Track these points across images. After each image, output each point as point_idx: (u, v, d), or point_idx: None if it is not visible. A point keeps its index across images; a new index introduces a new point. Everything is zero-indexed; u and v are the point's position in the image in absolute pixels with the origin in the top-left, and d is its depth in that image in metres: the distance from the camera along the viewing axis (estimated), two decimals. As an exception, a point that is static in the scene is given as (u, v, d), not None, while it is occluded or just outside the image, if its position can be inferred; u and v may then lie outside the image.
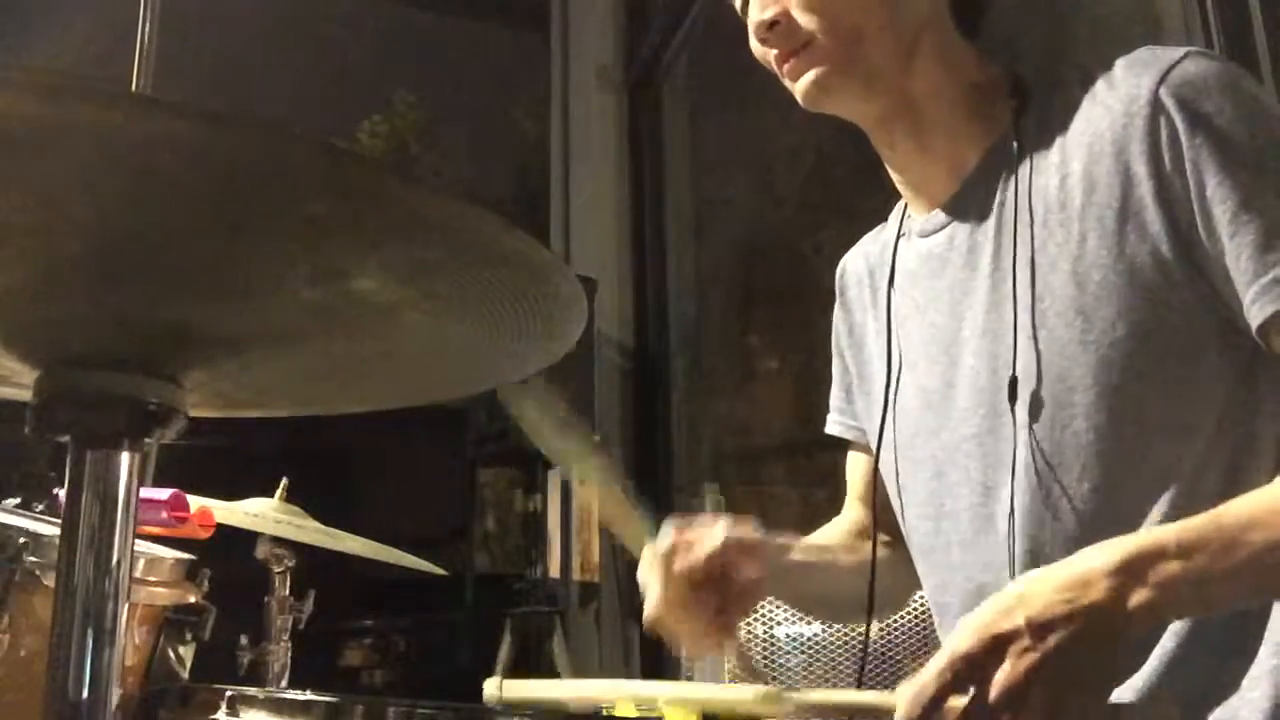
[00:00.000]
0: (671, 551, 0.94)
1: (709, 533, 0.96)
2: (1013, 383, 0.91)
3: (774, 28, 0.97)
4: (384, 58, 4.25)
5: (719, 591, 0.95)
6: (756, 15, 0.98)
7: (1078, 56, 1.89)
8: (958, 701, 0.72)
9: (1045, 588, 0.74)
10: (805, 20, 0.95)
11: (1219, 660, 0.85)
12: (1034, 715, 0.70)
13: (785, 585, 1.06)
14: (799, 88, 0.98)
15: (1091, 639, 0.72)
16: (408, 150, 4.51)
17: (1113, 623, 0.73)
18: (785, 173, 3.23)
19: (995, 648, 0.72)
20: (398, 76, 4.30)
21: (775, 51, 0.98)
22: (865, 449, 1.19)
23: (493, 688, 0.83)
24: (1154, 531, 0.79)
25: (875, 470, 1.10)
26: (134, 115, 0.43)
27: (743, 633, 1.76)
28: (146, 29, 1.75)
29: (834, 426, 1.23)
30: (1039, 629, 0.71)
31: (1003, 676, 0.71)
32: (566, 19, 3.91)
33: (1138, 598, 0.73)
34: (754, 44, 1.01)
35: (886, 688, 0.78)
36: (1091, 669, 0.73)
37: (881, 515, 1.10)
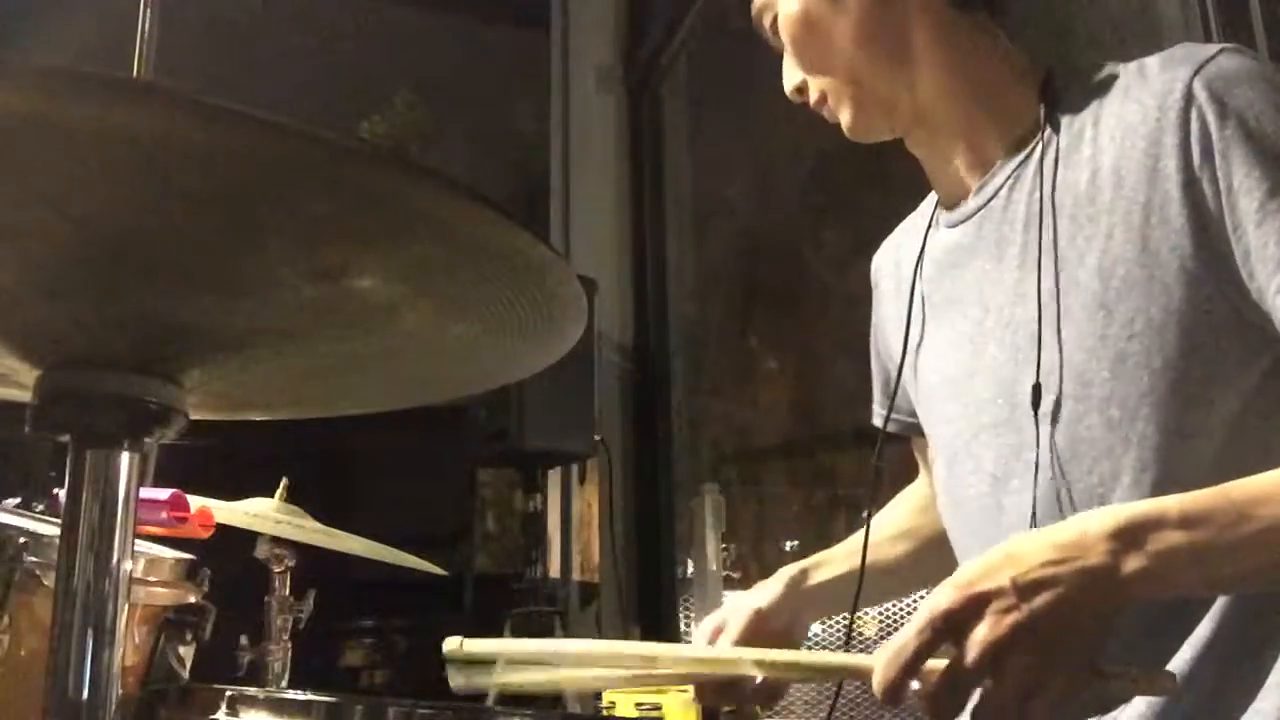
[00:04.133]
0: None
1: (732, 618, 1.03)
2: (1036, 389, 0.90)
3: (801, 91, 1.05)
4: (384, 58, 4.25)
5: None
6: (785, 81, 1.06)
7: (1078, 58, 1.89)
8: (937, 662, 0.69)
9: (1037, 548, 0.72)
10: (814, 81, 1.03)
11: (1233, 671, 0.84)
12: (1014, 678, 0.68)
13: (822, 609, 1.13)
14: (842, 127, 1.04)
15: (1080, 603, 0.70)
16: (408, 150, 4.50)
17: (1104, 588, 0.71)
18: (785, 173, 3.22)
19: (977, 606, 0.69)
20: (398, 76, 4.29)
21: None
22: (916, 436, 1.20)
23: (453, 644, 0.77)
24: (1157, 499, 0.76)
25: (878, 451, 1.10)
26: (133, 108, 0.43)
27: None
28: (146, 29, 1.74)
29: (880, 420, 1.22)
30: (1024, 589, 0.69)
31: (981, 636, 0.68)
32: (566, 19, 3.90)
33: (1133, 564, 0.71)
34: None
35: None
36: (1077, 634, 0.70)
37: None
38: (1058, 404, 0.90)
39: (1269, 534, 0.73)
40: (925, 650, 0.69)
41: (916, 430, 1.16)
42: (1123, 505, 0.75)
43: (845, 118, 1.03)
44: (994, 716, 0.69)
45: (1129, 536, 0.72)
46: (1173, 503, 0.74)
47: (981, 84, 0.99)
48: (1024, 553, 0.71)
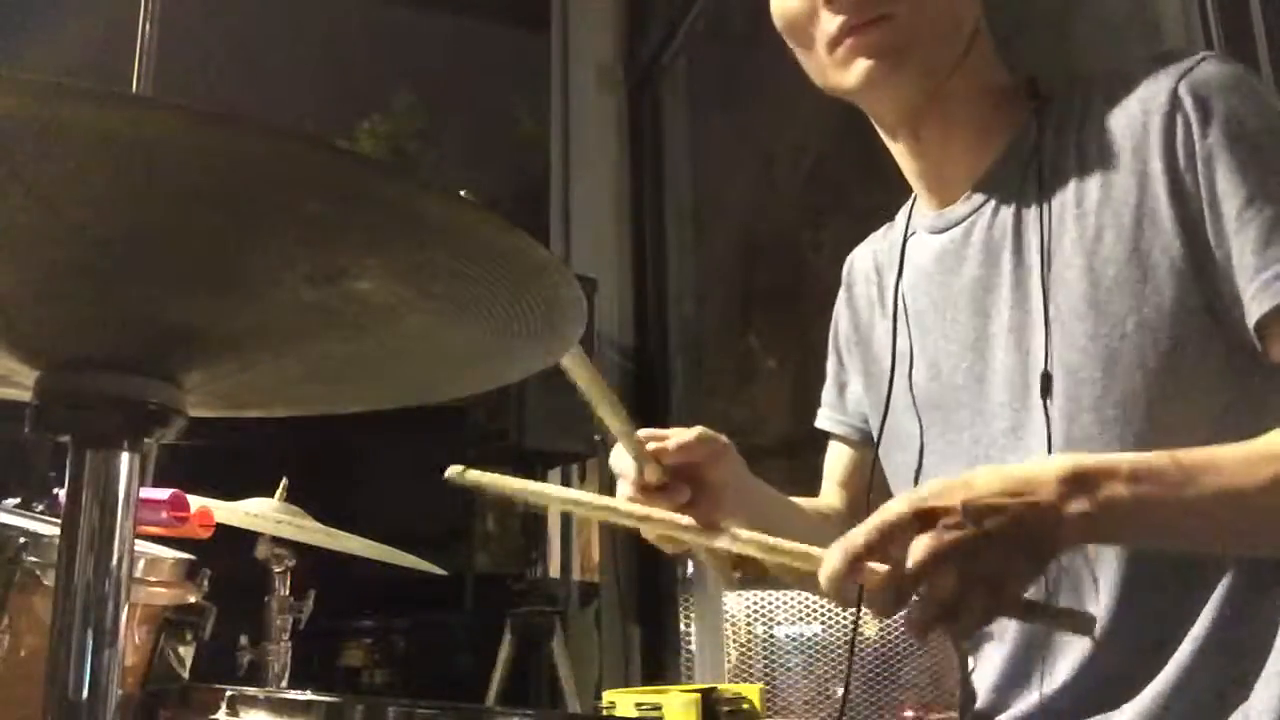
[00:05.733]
0: (646, 438, 0.97)
1: (681, 430, 1.00)
2: (1045, 378, 0.92)
3: None
4: (384, 58, 4.25)
5: (690, 482, 0.97)
6: None
7: (1078, 58, 1.89)
8: (880, 566, 0.72)
9: (991, 479, 0.75)
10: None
11: (1234, 665, 0.85)
12: (944, 591, 0.71)
13: (746, 502, 1.07)
14: (859, 66, 0.93)
15: (1021, 535, 0.73)
16: (407, 150, 4.51)
17: (1046, 525, 0.74)
18: (785, 172, 3.22)
19: (926, 519, 0.72)
20: (398, 76, 4.30)
21: (841, 19, 0.92)
22: (854, 444, 1.21)
23: (454, 472, 0.85)
24: (1111, 455, 0.80)
25: (875, 461, 1.10)
26: (134, 116, 0.43)
27: (743, 629, 1.76)
28: (146, 29, 1.75)
29: (825, 421, 1.24)
30: (973, 512, 0.72)
31: (923, 545, 0.71)
32: (566, 19, 3.90)
33: (1077, 506, 0.74)
34: (791, 8, 0.97)
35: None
36: (1013, 564, 0.73)
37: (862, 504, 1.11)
38: (1052, 404, 0.91)
39: (1209, 501, 0.77)
40: (871, 549, 0.72)
41: (861, 437, 1.18)
42: (1079, 454, 0.78)
43: (884, 55, 0.92)
44: (919, 622, 0.73)
45: (1079, 482, 0.75)
46: (1125, 459, 0.78)
47: (994, 91, 1.01)
48: (979, 481, 0.75)
